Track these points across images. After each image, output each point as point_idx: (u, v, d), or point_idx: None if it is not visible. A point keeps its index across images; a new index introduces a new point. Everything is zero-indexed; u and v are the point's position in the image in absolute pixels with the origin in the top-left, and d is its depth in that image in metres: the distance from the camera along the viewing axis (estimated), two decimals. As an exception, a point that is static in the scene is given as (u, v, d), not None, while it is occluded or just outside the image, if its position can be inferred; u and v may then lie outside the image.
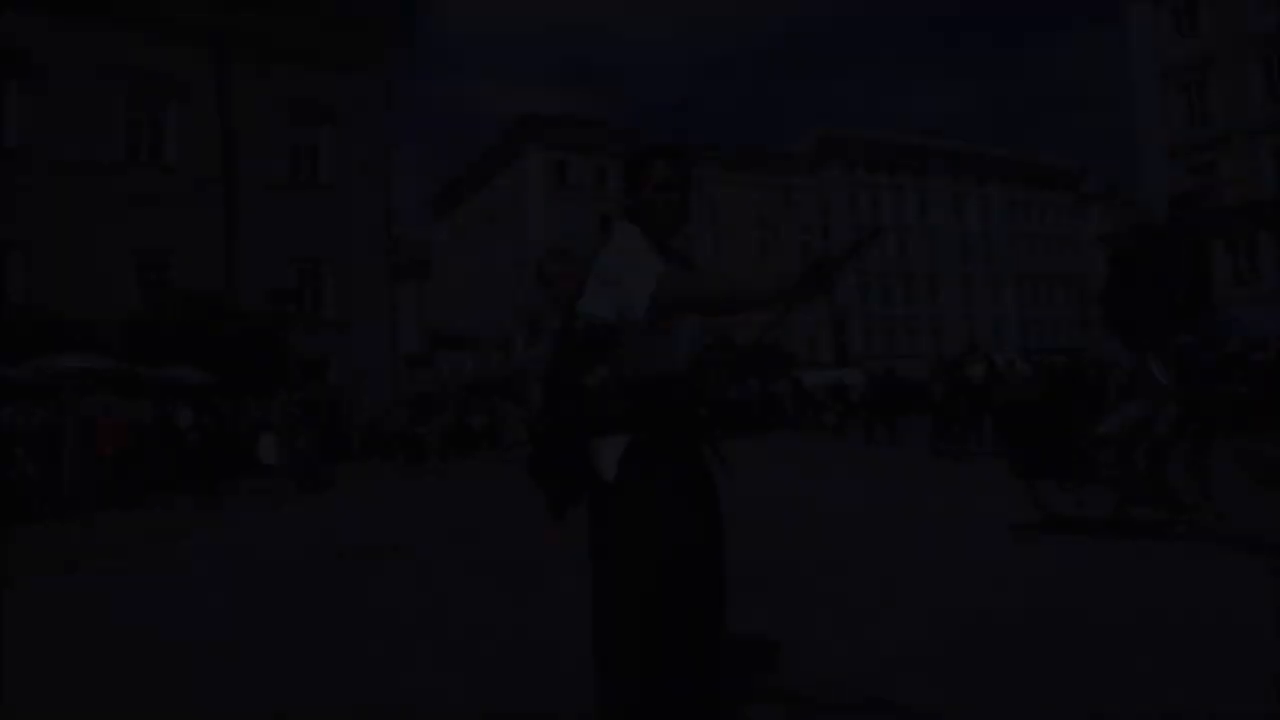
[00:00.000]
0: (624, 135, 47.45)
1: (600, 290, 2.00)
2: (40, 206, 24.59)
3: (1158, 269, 6.50)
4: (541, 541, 5.17)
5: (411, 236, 70.85)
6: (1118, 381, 7.03)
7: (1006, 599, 3.75)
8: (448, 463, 18.68)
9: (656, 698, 1.86)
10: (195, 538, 8.69)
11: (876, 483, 9.52)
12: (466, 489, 12.90)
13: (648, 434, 1.97)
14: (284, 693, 3.22)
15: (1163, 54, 31.43)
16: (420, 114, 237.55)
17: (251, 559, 6.78)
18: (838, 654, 3.12)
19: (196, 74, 27.61)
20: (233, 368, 20.96)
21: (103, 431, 13.39)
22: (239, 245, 28.06)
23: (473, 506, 10.15)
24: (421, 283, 64.12)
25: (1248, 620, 3.13)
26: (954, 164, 61.20)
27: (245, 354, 21.26)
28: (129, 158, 26.32)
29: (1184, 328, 6.27)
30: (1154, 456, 5.39)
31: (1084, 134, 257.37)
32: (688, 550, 1.94)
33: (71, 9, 25.54)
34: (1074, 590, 3.94)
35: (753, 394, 28.84)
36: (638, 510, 1.93)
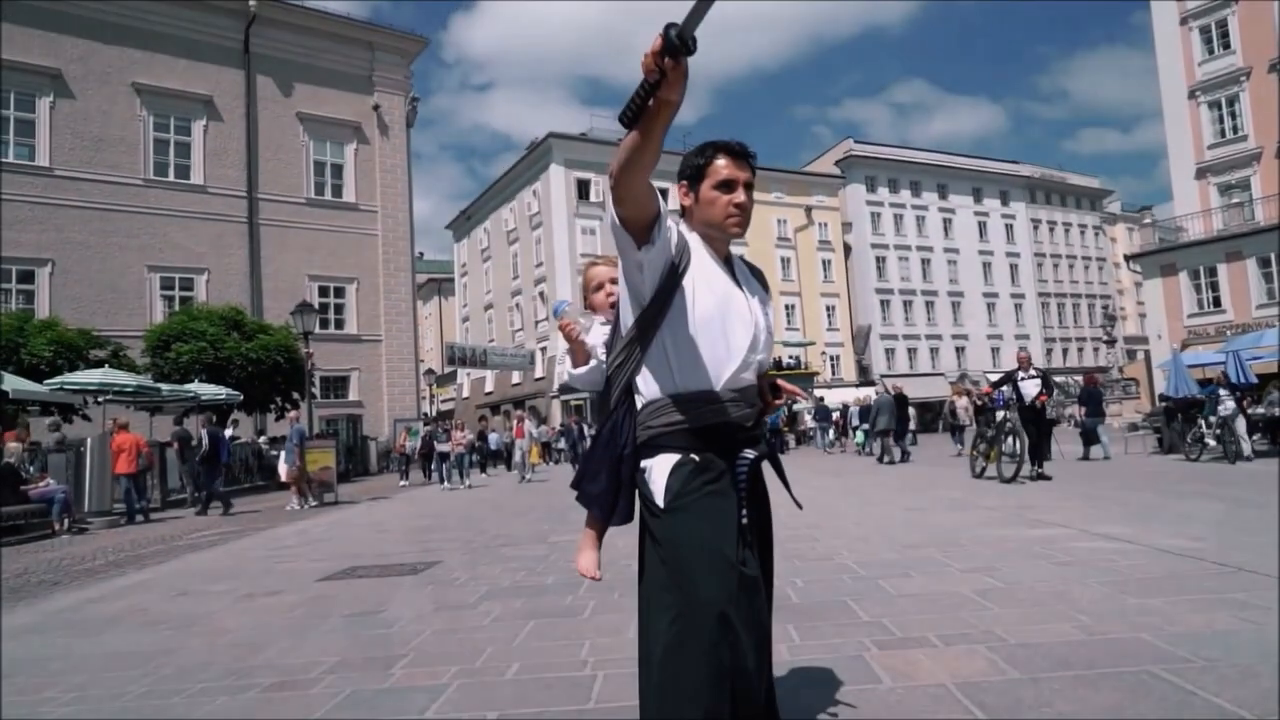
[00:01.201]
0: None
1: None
2: (68, 224, 24.92)
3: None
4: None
5: (433, 255, 71.55)
6: None
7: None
8: (467, 480, 18.49)
9: None
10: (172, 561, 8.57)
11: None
12: (483, 506, 12.76)
13: (700, 454, 1.84)
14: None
15: (1191, 73, 31.19)
16: (443, 133, 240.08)
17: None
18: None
19: (223, 93, 27.97)
20: (255, 385, 21.05)
21: (120, 448, 13.36)
22: (263, 263, 28.27)
23: (489, 523, 10.00)
24: (443, 301, 64.49)
25: None
26: (977, 183, 60.91)
27: (267, 371, 21.32)
28: (157, 176, 26.62)
29: None
30: None
31: (1111, 154, 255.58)
32: (744, 579, 1.78)
33: (101, 30, 25.95)
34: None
35: (780, 414, 28.68)
36: (689, 535, 1.78)
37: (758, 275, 2.14)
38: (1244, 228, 29.08)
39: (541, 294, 46.13)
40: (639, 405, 1.92)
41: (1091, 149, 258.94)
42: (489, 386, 52.37)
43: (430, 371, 38.22)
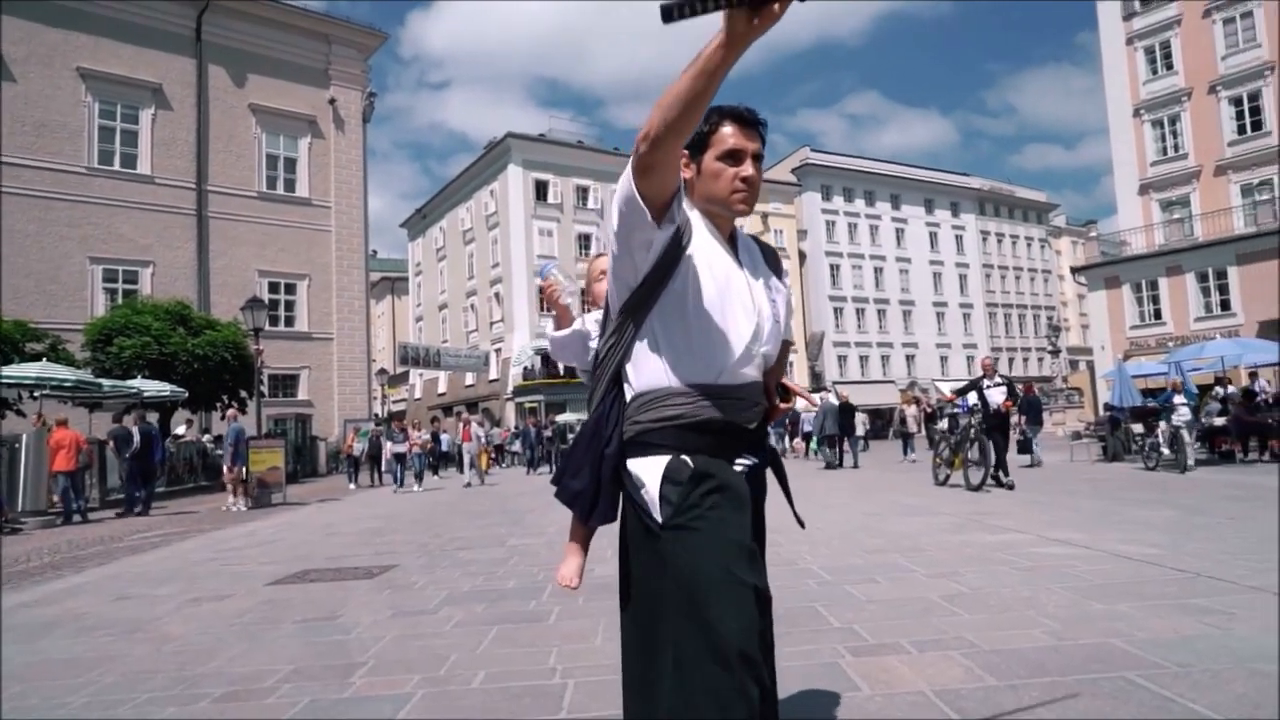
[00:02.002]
0: (604, 155, 47.58)
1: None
2: (6, 211, 24.00)
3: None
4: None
5: (387, 254, 70.59)
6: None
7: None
8: (421, 482, 18.18)
9: None
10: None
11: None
12: (437, 508, 12.54)
13: (693, 455, 1.65)
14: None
15: (1136, 92, 32.12)
16: (399, 130, 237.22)
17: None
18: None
19: (172, 82, 27.21)
20: (201, 382, 20.47)
21: (59, 445, 12.86)
22: (211, 257, 27.55)
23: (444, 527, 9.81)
24: (396, 300, 63.62)
25: None
26: (929, 194, 61.99)
27: (214, 369, 20.74)
28: (101, 164, 25.77)
29: None
30: None
31: (1056, 170, 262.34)
32: (760, 601, 1.61)
33: (45, 11, 25.08)
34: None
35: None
36: (700, 560, 1.57)
37: (769, 256, 1.91)
38: (1184, 243, 30.02)
39: (497, 295, 45.75)
40: (627, 398, 1.74)
41: (1036, 164, 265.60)
42: (442, 387, 51.76)
43: (382, 371, 37.63)
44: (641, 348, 1.71)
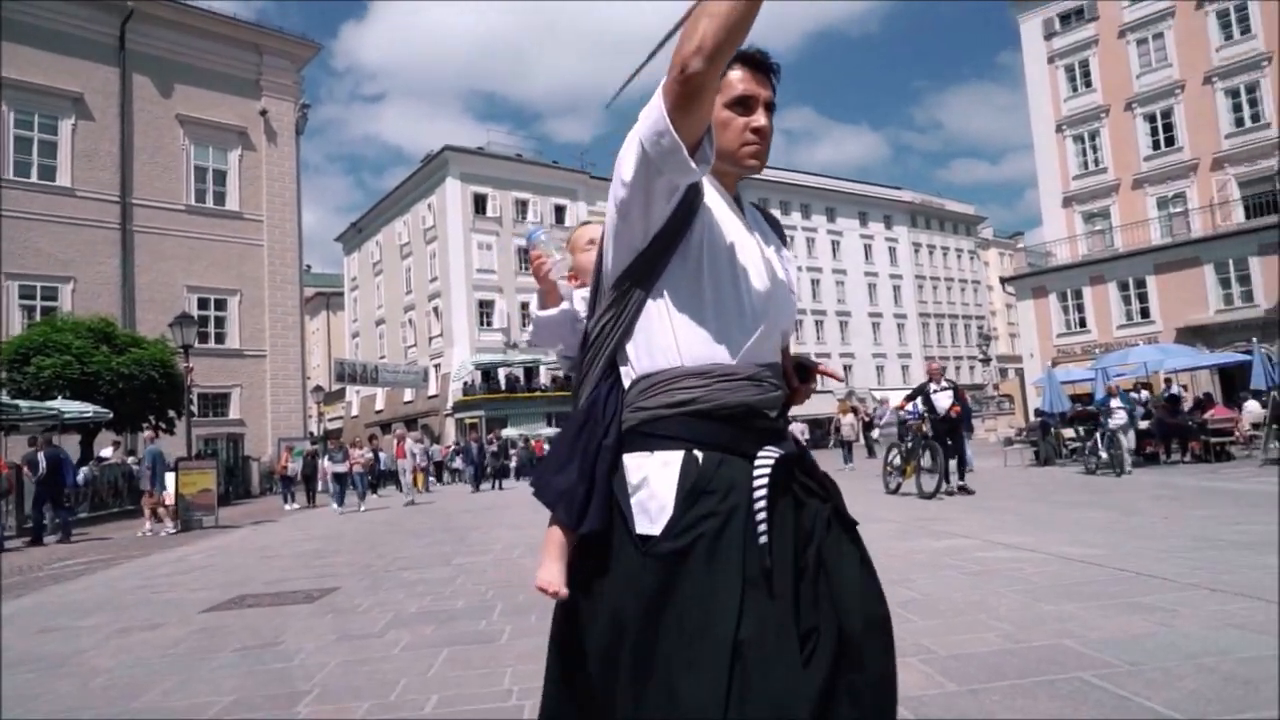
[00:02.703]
0: (543, 169, 47.50)
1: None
2: (-88, 227, 22.79)
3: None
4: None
5: (321, 268, 69.16)
6: None
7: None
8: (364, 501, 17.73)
9: None
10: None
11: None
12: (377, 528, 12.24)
13: (707, 450, 1.38)
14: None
15: (1058, 108, 33.33)
16: (333, 143, 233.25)
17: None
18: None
19: (94, 91, 26.24)
20: (126, 402, 19.67)
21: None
22: (137, 272, 26.57)
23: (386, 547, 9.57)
24: (332, 315, 62.35)
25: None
26: (863, 207, 63.30)
27: (140, 388, 19.96)
28: (17, 176, 24.67)
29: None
30: None
31: (981, 184, 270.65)
32: (752, 656, 1.25)
33: (-45, 18, 23.98)
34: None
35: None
36: (682, 603, 1.29)
37: (772, 223, 1.68)
38: (1105, 254, 31.16)
39: (436, 309, 45.14)
40: (626, 382, 1.47)
41: (964, 178, 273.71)
42: (379, 404, 50.80)
43: (318, 389, 36.76)
44: (646, 322, 1.45)
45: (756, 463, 1.38)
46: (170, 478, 14.45)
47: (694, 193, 1.41)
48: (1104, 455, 13.69)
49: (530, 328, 1.81)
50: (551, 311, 1.74)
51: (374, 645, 4.43)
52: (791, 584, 1.33)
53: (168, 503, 14.21)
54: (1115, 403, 14.64)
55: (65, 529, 13.16)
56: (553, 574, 1.48)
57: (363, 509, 16.77)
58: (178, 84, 28.07)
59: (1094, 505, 9.03)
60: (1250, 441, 15.42)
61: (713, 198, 1.48)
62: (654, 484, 1.37)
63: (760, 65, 1.50)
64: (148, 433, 15.39)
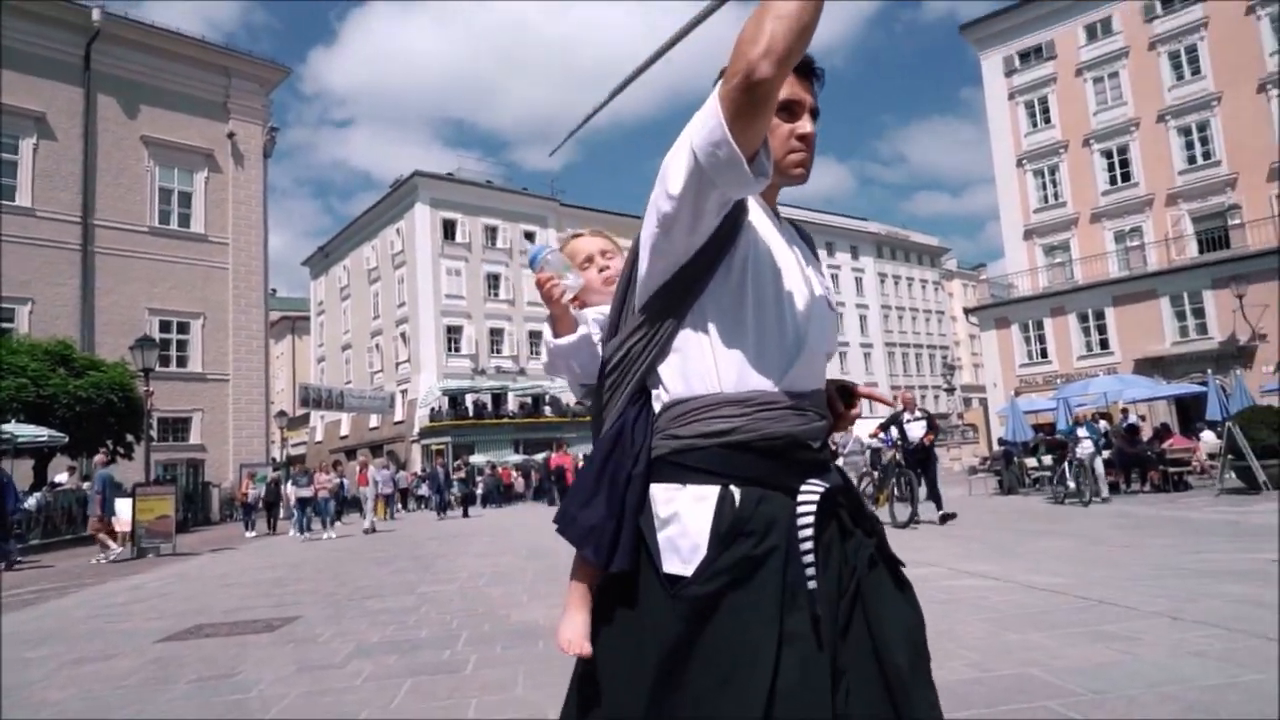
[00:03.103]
0: (513, 195, 47.56)
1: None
2: None
3: None
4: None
5: (287, 292, 68.43)
6: None
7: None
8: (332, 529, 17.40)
9: None
10: None
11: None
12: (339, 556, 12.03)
13: (745, 485, 1.26)
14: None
15: (1019, 143, 34.13)
16: (301, 167, 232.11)
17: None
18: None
19: (57, 111, 25.89)
20: (83, 426, 19.23)
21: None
22: (98, 294, 26.09)
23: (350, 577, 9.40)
24: (297, 340, 61.63)
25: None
26: (830, 237, 64.11)
27: (98, 411, 19.53)
28: (-26, 196, 24.20)
29: None
30: None
31: (944, 216, 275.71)
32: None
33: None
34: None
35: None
36: (714, 652, 1.18)
37: (805, 237, 1.58)
38: (1066, 286, 31.80)
39: (404, 334, 44.81)
40: (659, 407, 1.36)
41: (927, 210, 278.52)
42: (345, 430, 50.13)
43: (281, 414, 36.21)
44: (682, 343, 1.34)
45: (800, 498, 1.26)
46: (126, 503, 14.09)
47: (738, 207, 1.32)
48: (1072, 484, 13.83)
49: (544, 356, 1.63)
50: (570, 338, 1.54)
51: (335, 676, 4.34)
52: (833, 628, 1.22)
53: (118, 528, 13.85)
54: (1082, 431, 14.80)
55: (6, 556, 12.72)
56: (575, 629, 1.37)
57: (328, 536, 16.47)
58: (144, 105, 27.80)
59: (1058, 534, 9.14)
60: (1206, 471, 15.75)
61: (755, 212, 1.39)
62: (686, 520, 1.26)
63: (804, 69, 1.40)
64: (99, 456, 15.02)
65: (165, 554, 14.01)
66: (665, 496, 1.29)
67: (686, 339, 1.34)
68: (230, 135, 29.85)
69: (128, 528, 13.88)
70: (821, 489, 1.28)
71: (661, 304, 1.35)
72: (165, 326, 27.31)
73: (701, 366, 1.32)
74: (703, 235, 1.28)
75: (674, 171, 1.23)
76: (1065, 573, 6.16)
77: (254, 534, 18.79)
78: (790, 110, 1.38)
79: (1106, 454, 16.30)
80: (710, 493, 1.25)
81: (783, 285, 1.36)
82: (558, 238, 43.07)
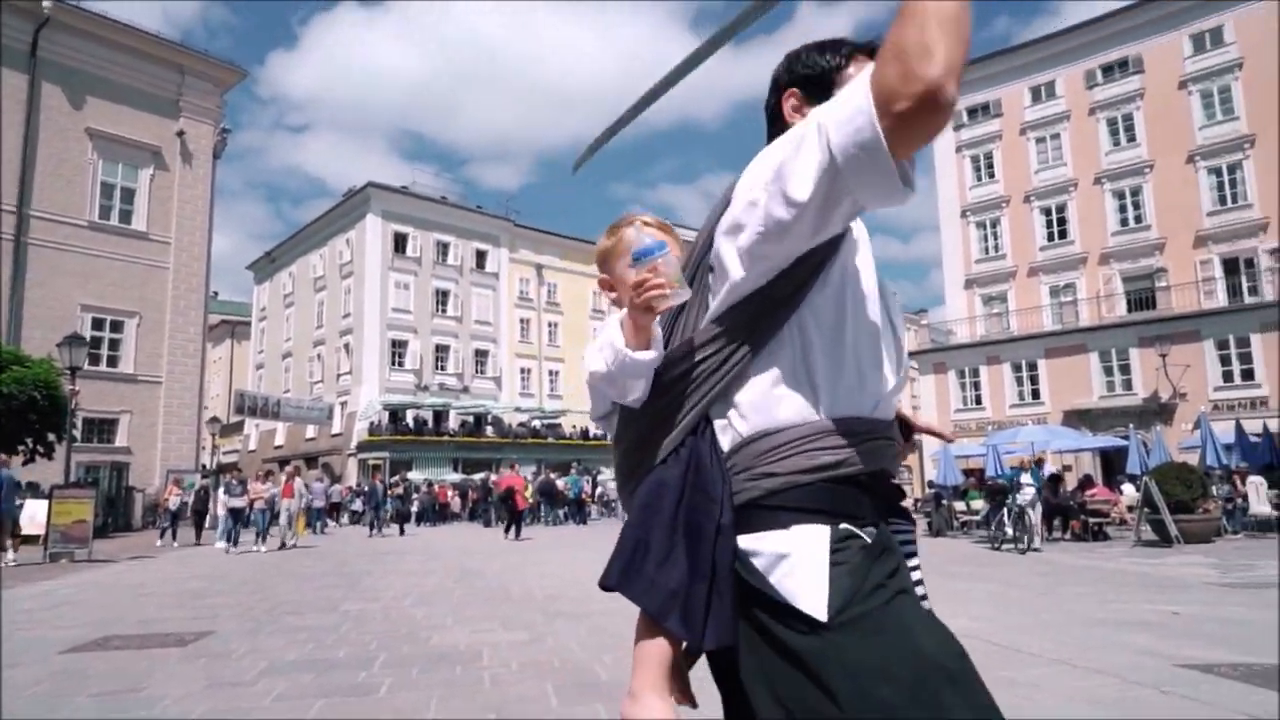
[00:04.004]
0: (467, 212, 47.38)
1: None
2: None
3: None
4: None
5: (229, 295, 66.93)
6: None
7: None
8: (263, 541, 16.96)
9: None
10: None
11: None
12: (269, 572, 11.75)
13: (855, 522, 1.10)
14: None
15: (964, 195, 35.24)
16: (252, 170, 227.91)
17: None
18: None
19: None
20: (3, 424, 18.49)
21: None
22: (27, 287, 25.23)
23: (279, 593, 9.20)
24: (236, 345, 60.24)
25: None
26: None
27: (20, 409, 18.80)
28: (-99, 178, 23.28)
29: None
30: None
31: (894, 261, 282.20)
32: None
33: None
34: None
35: (583, 483, 28.71)
36: (899, 652, 1.00)
37: None
38: (1002, 335, 32.80)
39: (347, 346, 44.10)
40: (731, 441, 1.17)
41: (877, 255, 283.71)
42: (279, 439, 48.99)
43: (215, 420, 35.31)
44: (770, 363, 1.16)
45: (894, 531, 1.16)
46: (41, 505, 13.58)
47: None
48: (1009, 530, 14.07)
49: (611, 368, 1.22)
50: (651, 354, 1.20)
51: (244, 694, 4.27)
52: None
53: (32, 531, 13.32)
54: (1025, 478, 15.00)
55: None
56: (654, 710, 1.10)
57: (258, 549, 15.98)
58: (91, 97, 27.11)
59: (982, 579, 9.38)
60: (1126, 522, 16.30)
61: None
62: (797, 561, 1.06)
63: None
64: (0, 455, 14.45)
65: (80, 560, 13.52)
66: (767, 546, 1.09)
67: (774, 358, 1.16)
68: (180, 133, 29.26)
69: (41, 530, 13.38)
70: (911, 531, 1.21)
71: (746, 317, 1.16)
72: (99, 324, 26.47)
73: (797, 392, 1.15)
74: (822, 236, 1.11)
75: (800, 173, 1.04)
76: (983, 617, 6.34)
77: (170, 543, 17.82)
78: None
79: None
80: (821, 533, 1.07)
81: (878, 301, 1.21)
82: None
